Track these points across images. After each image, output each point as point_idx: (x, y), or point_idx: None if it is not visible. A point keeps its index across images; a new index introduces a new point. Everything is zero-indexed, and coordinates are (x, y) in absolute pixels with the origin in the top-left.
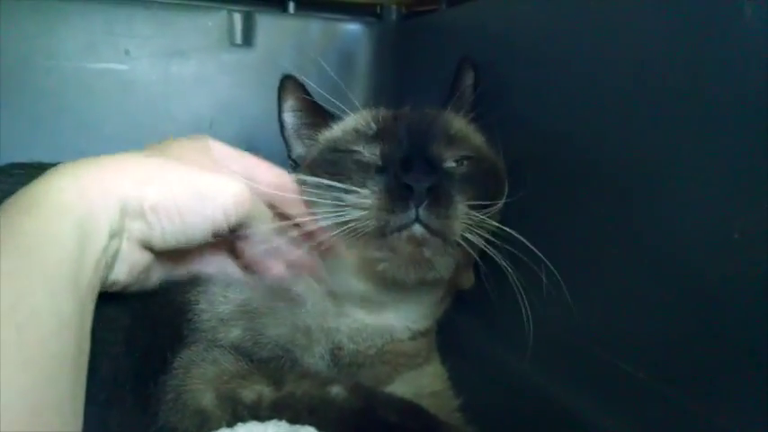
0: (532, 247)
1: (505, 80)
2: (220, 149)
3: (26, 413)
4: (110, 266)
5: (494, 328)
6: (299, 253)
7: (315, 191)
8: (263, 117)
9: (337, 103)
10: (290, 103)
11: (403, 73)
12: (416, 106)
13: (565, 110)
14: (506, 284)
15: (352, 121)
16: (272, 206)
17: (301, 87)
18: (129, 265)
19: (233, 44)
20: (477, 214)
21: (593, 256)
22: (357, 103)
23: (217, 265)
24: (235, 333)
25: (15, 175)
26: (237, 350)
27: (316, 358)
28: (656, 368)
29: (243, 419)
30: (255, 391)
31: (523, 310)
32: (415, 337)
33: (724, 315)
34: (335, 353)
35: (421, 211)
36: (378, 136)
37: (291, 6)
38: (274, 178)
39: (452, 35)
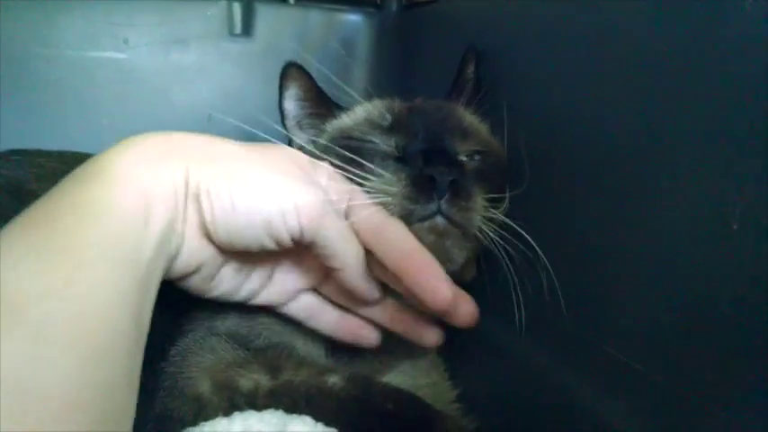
0: (531, 240)
1: (507, 70)
2: (326, 174)
3: (77, 394)
4: (175, 249)
5: (492, 319)
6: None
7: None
8: (263, 107)
9: (346, 88)
10: (292, 92)
11: (403, 63)
12: (426, 97)
13: (565, 100)
14: (504, 275)
15: (363, 111)
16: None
17: (305, 75)
18: (189, 246)
19: (232, 34)
20: (494, 211)
21: (590, 247)
22: (356, 95)
23: (309, 309)
24: (231, 321)
25: (13, 161)
26: (234, 338)
27: (310, 345)
28: (654, 358)
29: (240, 408)
30: (252, 379)
31: (515, 301)
32: None
33: (722, 305)
34: (332, 339)
35: (443, 204)
36: (393, 127)
37: None
38: (376, 223)
39: (453, 25)
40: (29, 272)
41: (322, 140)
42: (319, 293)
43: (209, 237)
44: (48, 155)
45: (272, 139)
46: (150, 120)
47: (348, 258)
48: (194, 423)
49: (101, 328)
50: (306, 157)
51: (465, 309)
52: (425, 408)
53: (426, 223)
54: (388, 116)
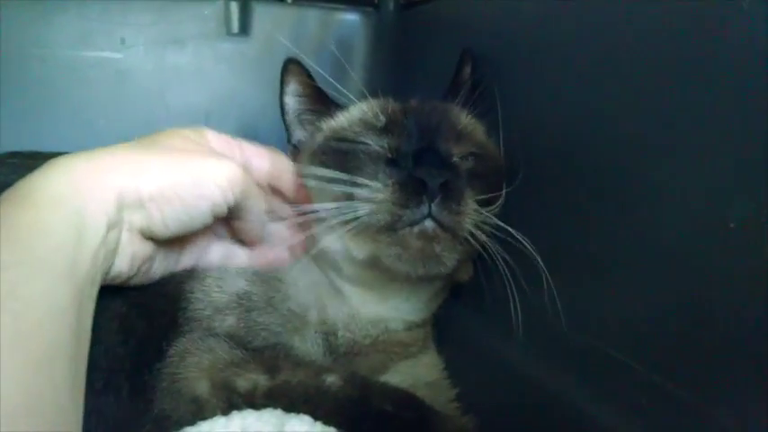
0: (526, 243)
1: (503, 71)
2: (215, 138)
3: (21, 399)
4: (110, 259)
5: (490, 319)
6: (291, 236)
7: (320, 181)
8: (260, 106)
9: (342, 89)
10: (292, 87)
11: (400, 62)
12: (422, 97)
13: (562, 101)
14: (501, 276)
15: (358, 111)
16: (274, 191)
17: (305, 72)
18: (131, 257)
19: (229, 33)
20: (483, 211)
21: (588, 248)
22: (353, 95)
23: (221, 255)
24: (229, 321)
25: (10, 165)
26: (232, 338)
27: (308, 345)
28: (651, 359)
29: (238, 408)
30: (250, 379)
31: (511, 303)
32: (410, 327)
33: (719, 304)
34: (330, 339)
35: (433, 207)
36: (387, 128)
37: None
38: (270, 162)
39: (450, 25)
40: None
41: (313, 144)
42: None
43: (150, 236)
44: (43, 157)
45: (269, 138)
46: (146, 120)
47: (259, 206)
48: (192, 423)
49: (39, 338)
50: (198, 131)
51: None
52: (424, 408)
53: (416, 228)
54: (382, 117)
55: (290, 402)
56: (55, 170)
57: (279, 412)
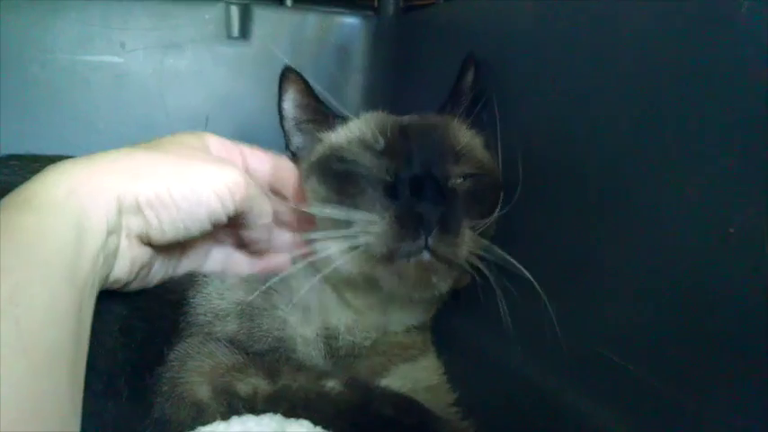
0: (522, 269)
1: (503, 77)
2: (216, 143)
3: (22, 402)
4: (110, 264)
5: (489, 323)
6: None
7: (320, 201)
8: (260, 110)
9: (338, 105)
10: (290, 95)
11: (400, 67)
12: (421, 109)
13: (562, 106)
14: (497, 283)
15: (357, 128)
16: (274, 193)
17: (303, 81)
18: (130, 262)
19: (230, 37)
20: (482, 239)
21: (587, 251)
22: (353, 99)
23: (221, 261)
24: (230, 327)
25: (11, 167)
26: (233, 343)
27: (310, 348)
28: (649, 363)
29: (238, 412)
30: (251, 384)
31: (503, 317)
32: (409, 330)
33: (718, 309)
34: (331, 343)
35: (430, 239)
36: (385, 151)
37: None
38: (271, 165)
39: (450, 29)
40: None
41: (313, 157)
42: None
43: (148, 241)
44: (43, 160)
45: (268, 143)
46: (146, 123)
47: (265, 214)
48: (193, 428)
49: (40, 344)
50: (199, 137)
51: None
52: (424, 412)
53: (412, 260)
54: (381, 139)
55: (291, 407)
56: (55, 175)
57: (279, 417)
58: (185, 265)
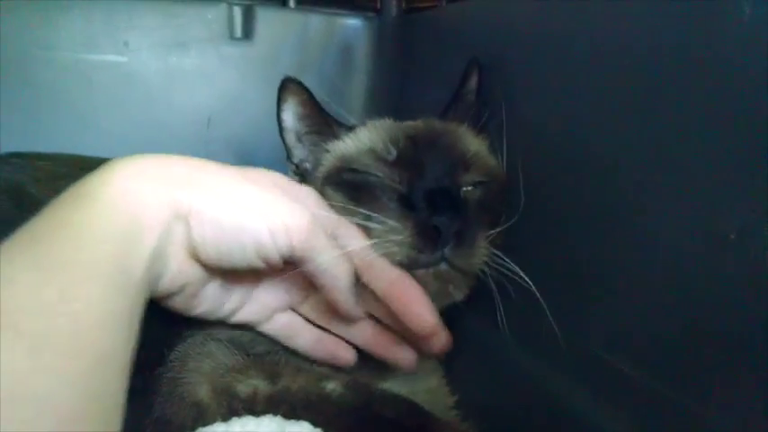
0: (525, 278)
1: (507, 79)
2: (315, 203)
3: (73, 402)
4: (160, 270)
5: (488, 325)
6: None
7: (336, 209)
8: (264, 110)
9: (342, 113)
10: (291, 107)
11: (403, 68)
12: (424, 115)
13: (563, 109)
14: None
15: (367, 138)
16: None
17: (305, 91)
18: (177, 271)
19: (233, 38)
20: (495, 250)
21: (587, 256)
22: (356, 100)
23: (285, 325)
24: (231, 329)
25: (13, 164)
26: (234, 344)
27: None
28: (650, 366)
29: (238, 413)
30: (251, 385)
31: (499, 316)
32: None
33: (718, 313)
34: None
35: (447, 251)
36: (397, 162)
37: (291, 1)
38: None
39: (453, 31)
40: (25, 286)
41: (323, 169)
42: (298, 313)
43: (196, 256)
44: (46, 158)
45: (272, 143)
46: (149, 124)
47: (339, 276)
48: (192, 428)
49: (94, 344)
50: (288, 180)
51: (442, 339)
52: (424, 415)
53: (431, 270)
54: (393, 150)
55: (291, 408)
56: (115, 171)
57: (279, 418)
58: (244, 313)
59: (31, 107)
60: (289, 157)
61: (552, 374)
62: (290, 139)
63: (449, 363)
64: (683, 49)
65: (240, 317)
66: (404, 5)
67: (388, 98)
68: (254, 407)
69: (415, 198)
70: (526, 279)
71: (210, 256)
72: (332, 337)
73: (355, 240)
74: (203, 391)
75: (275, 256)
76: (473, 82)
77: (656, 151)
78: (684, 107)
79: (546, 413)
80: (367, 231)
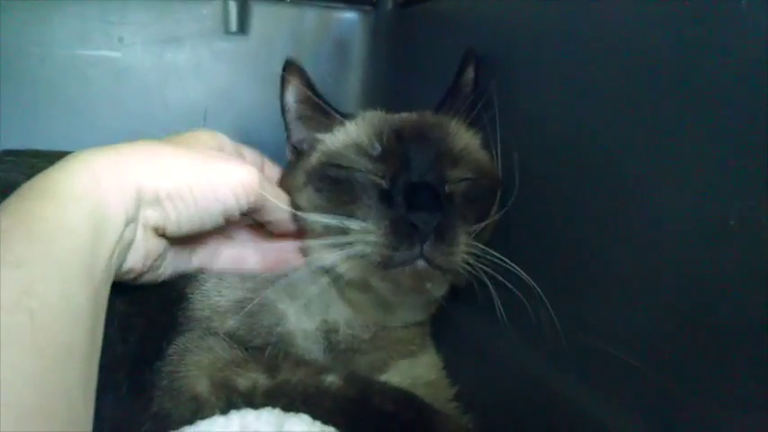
0: (521, 272)
1: (503, 72)
2: (227, 141)
3: (34, 399)
4: (124, 255)
5: (487, 318)
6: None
7: (316, 211)
8: (258, 105)
9: (333, 106)
10: (292, 88)
11: (398, 62)
12: (419, 107)
13: (560, 101)
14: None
15: (354, 132)
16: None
17: (305, 75)
18: (145, 253)
19: (228, 32)
20: (477, 244)
21: (586, 246)
22: (351, 94)
23: (231, 258)
24: (229, 322)
25: (7, 162)
26: (232, 338)
27: (309, 342)
28: (651, 358)
29: (237, 407)
30: (250, 378)
31: (497, 310)
32: (408, 326)
33: (719, 303)
34: (330, 337)
35: (425, 248)
36: (382, 157)
37: None
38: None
39: (449, 24)
40: None
41: (310, 161)
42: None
43: (163, 234)
44: (41, 155)
45: (266, 137)
46: (144, 118)
47: (281, 212)
48: (192, 422)
49: (55, 339)
50: (213, 136)
51: None
52: (424, 407)
53: (407, 268)
54: (377, 145)
55: (290, 402)
56: (77, 164)
57: (278, 412)
58: (196, 260)
59: (26, 103)
60: (288, 137)
61: (552, 367)
62: (291, 118)
63: (449, 355)
64: (680, 39)
65: (193, 264)
66: None
67: (384, 91)
68: (253, 400)
69: (396, 193)
70: (517, 269)
71: (183, 230)
72: (273, 245)
73: (252, 161)
74: (202, 385)
75: (237, 214)
76: (469, 73)
77: (655, 140)
78: (683, 96)
79: (546, 406)
80: (344, 233)
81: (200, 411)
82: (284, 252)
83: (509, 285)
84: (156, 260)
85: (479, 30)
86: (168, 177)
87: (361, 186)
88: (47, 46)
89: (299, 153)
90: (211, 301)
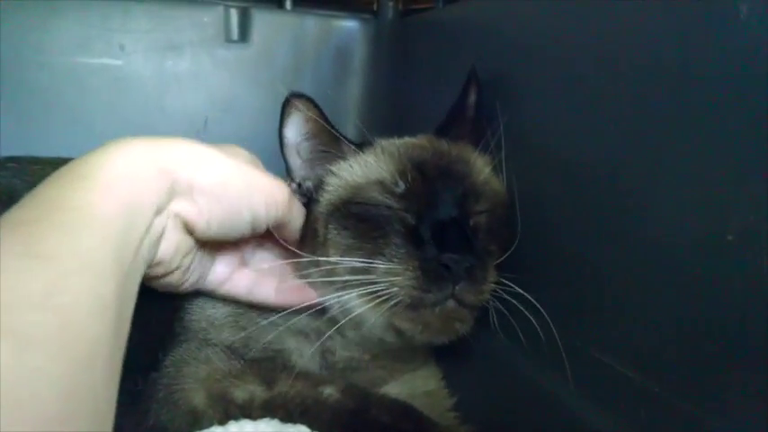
0: (531, 299)
1: (503, 81)
2: (260, 163)
3: (59, 406)
4: (154, 249)
5: (488, 328)
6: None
7: (341, 250)
8: (259, 113)
9: (344, 135)
10: (295, 124)
11: (399, 70)
12: (418, 115)
13: (562, 111)
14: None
15: (375, 165)
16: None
17: (312, 107)
18: (176, 246)
19: (229, 40)
20: (502, 279)
21: (586, 257)
22: (352, 103)
23: (248, 284)
24: (225, 335)
25: (9, 169)
26: (229, 349)
27: (305, 360)
28: (649, 368)
29: (235, 419)
30: (248, 390)
31: (492, 321)
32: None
33: (717, 317)
34: (327, 357)
35: (457, 288)
36: (407, 195)
37: (288, 2)
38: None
39: (449, 33)
40: (12, 277)
41: (329, 196)
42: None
43: (191, 231)
44: (42, 162)
45: (266, 145)
46: (145, 126)
47: (299, 224)
48: None
49: (83, 337)
50: (250, 153)
51: None
52: (421, 419)
53: (437, 309)
54: (402, 183)
55: (288, 413)
56: (113, 147)
57: (276, 422)
58: (213, 277)
59: (26, 111)
60: (288, 173)
61: (551, 379)
62: (292, 156)
63: (447, 366)
64: (680, 53)
65: (210, 282)
66: (400, 7)
67: (385, 100)
68: (250, 412)
69: (424, 232)
70: (533, 301)
71: (211, 231)
72: (289, 280)
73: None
74: (199, 398)
75: (264, 226)
76: (472, 96)
77: (655, 154)
78: (683, 110)
79: (545, 416)
80: (370, 273)
81: (197, 424)
82: (299, 289)
83: (507, 297)
84: (185, 256)
85: (479, 38)
86: (205, 173)
87: (387, 223)
88: (47, 53)
89: (305, 192)
90: (207, 312)
